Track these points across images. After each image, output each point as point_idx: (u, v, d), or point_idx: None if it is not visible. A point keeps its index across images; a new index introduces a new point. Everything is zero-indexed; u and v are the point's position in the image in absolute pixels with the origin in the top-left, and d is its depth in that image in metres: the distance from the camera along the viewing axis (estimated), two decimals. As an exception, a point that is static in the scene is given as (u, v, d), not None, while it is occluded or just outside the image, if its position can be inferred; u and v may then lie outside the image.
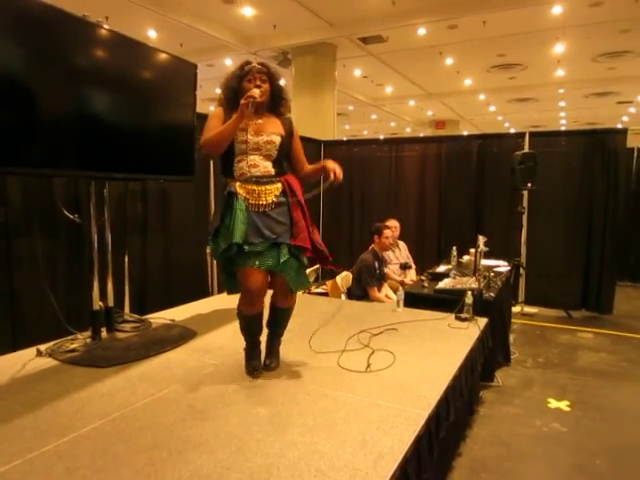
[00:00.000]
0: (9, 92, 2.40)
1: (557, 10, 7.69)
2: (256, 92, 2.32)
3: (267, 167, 2.41)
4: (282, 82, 2.58)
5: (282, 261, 2.35)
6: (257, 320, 2.54)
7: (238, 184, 2.38)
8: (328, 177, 2.40)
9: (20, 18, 2.43)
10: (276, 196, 2.40)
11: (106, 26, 2.94)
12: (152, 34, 8.71)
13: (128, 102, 3.07)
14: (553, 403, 3.47)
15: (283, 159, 2.49)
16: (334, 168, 2.40)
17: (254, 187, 2.37)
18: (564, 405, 3.44)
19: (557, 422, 3.18)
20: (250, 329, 2.55)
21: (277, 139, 2.44)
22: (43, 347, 2.78)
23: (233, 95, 2.43)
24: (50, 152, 2.66)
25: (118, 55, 2.98)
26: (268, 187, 2.39)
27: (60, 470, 1.63)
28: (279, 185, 2.43)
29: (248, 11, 7.92)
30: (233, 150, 2.40)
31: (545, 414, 3.31)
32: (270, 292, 2.56)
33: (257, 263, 2.34)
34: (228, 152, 2.40)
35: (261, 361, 2.55)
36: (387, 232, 4.96)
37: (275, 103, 2.52)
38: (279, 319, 2.61)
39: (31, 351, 2.75)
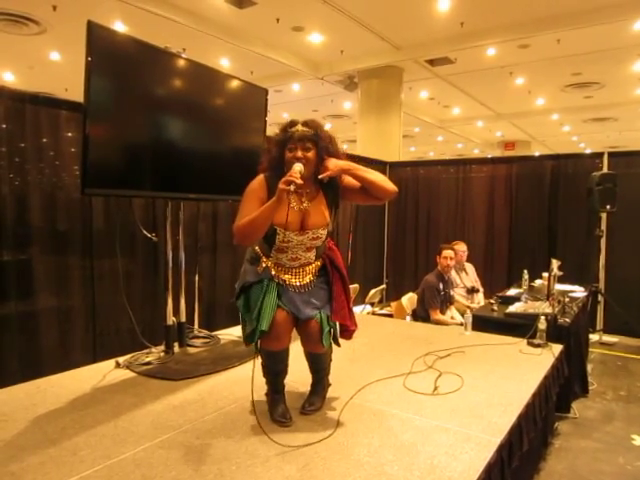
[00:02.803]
0: (104, 121, 2.61)
1: (639, 26, 7.36)
2: (297, 172, 1.96)
3: (309, 257, 2.20)
4: (331, 139, 2.16)
5: (325, 329, 2.15)
6: (283, 358, 2.22)
7: (275, 268, 2.17)
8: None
9: (113, 53, 2.65)
10: (315, 274, 2.22)
11: (184, 55, 3.14)
12: (225, 63, 9.13)
13: (204, 127, 3.24)
14: (638, 440, 3.22)
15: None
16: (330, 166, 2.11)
17: (294, 270, 2.18)
18: (650, 443, 3.19)
19: (643, 460, 2.95)
20: (275, 368, 2.23)
21: (323, 234, 2.18)
22: (121, 359, 2.93)
23: (276, 162, 2.13)
24: (132, 174, 2.85)
25: (196, 83, 3.17)
26: (308, 267, 2.21)
27: (137, 477, 1.71)
28: (319, 262, 2.25)
29: (316, 38, 8.15)
30: (271, 237, 2.12)
31: (629, 451, 3.08)
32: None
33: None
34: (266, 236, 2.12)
35: (287, 407, 2.23)
36: (445, 252, 4.87)
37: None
38: (316, 362, 2.32)
39: (110, 363, 2.91)
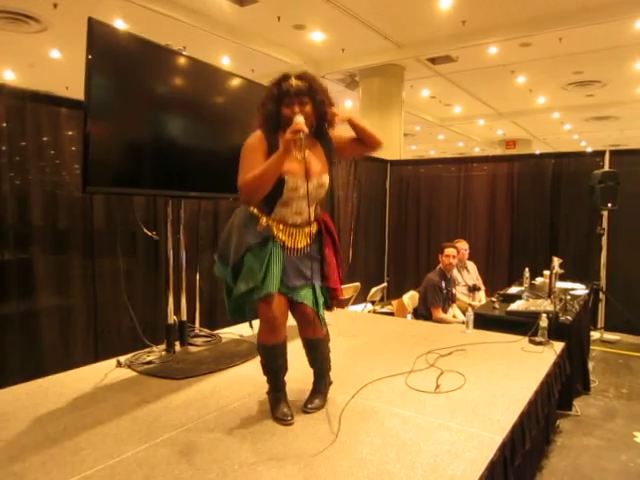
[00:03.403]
0: (105, 120, 2.61)
1: (641, 24, 7.34)
2: (302, 122, 1.97)
3: (311, 213, 2.18)
4: (325, 91, 2.15)
5: (320, 302, 2.18)
6: (281, 352, 2.20)
7: (276, 225, 2.15)
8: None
9: (114, 50, 2.64)
10: (311, 236, 2.22)
11: (185, 53, 3.13)
12: (226, 61, 9.12)
13: (205, 124, 3.23)
14: (640, 437, 3.23)
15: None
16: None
17: (293, 230, 2.18)
18: (653, 440, 3.19)
19: (645, 458, 2.95)
20: (274, 364, 2.20)
21: (326, 180, 2.21)
22: (122, 358, 2.93)
23: (272, 118, 2.11)
24: (133, 172, 2.85)
25: (197, 80, 3.16)
26: (306, 229, 2.20)
27: (139, 477, 1.70)
28: (316, 225, 2.26)
29: (318, 36, 8.13)
30: (276, 190, 2.08)
31: (632, 449, 3.07)
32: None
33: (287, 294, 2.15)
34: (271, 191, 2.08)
35: (289, 405, 2.22)
36: (448, 251, 4.87)
37: (320, 122, 2.17)
38: (315, 350, 2.30)
39: (111, 362, 2.90)
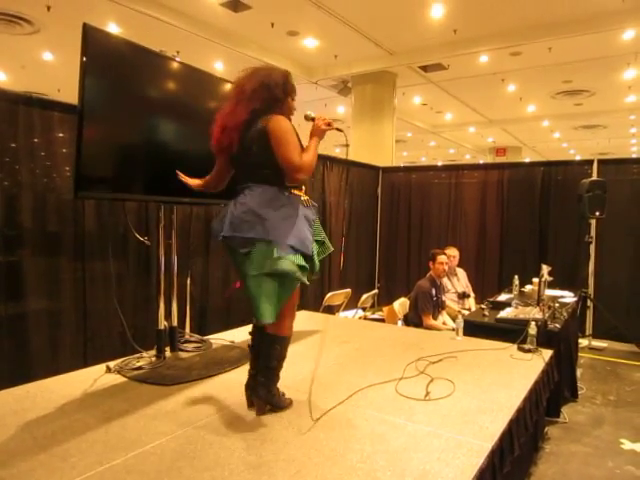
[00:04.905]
0: (99, 125, 2.60)
1: (629, 35, 7.45)
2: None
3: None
4: None
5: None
6: None
7: (303, 195, 2.27)
8: None
9: (108, 55, 2.64)
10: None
11: (178, 59, 3.14)
12: (219, 66, 9.13)
13: (198, 130, 3.22)
14: (627, 444, 3.25)
15: None
16: None
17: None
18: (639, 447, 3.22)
19: (632, 465, 2.98)
20: (285, 355, 2.32)
21: None
22: (112, 364, 2.91)
23: (276, 106, 2.23)
24: (126, 178, 2.84)
25: (190, 86, 3.16)
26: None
27: (128, 483, 1.70)
28: None
29: (311, 42, 8.17)
30: None
31: (618, 455, 3.11)
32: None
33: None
34: None
35: None
36: (440, 258, 4.90)
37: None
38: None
39: (101, 367, 2.88)
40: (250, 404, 2.33)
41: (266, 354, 2.24)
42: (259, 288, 2.09)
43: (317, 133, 2.27)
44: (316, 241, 2.24)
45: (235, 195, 2.25)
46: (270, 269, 2.07)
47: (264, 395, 2.26)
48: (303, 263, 2.12)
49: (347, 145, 2.51)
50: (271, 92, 2.19)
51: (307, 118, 2.35)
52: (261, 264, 2.08)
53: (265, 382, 2.26)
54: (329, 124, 2.29)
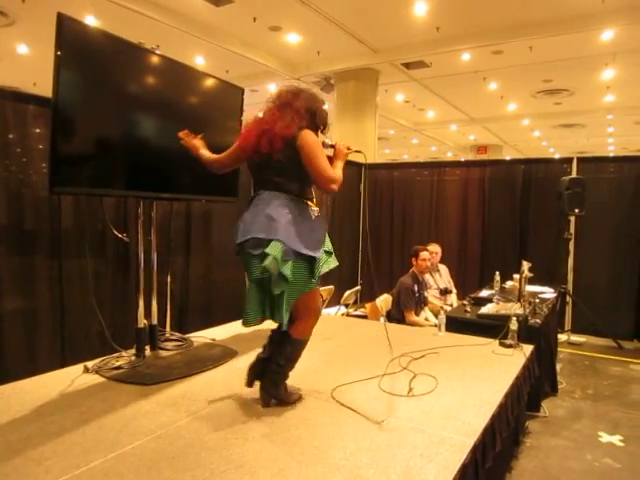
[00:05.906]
0: (74, 119, 2.54)
1: (607, 35, 7.56)
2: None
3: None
4: None
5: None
6: None
7: (314, 206, 2.38)
8: None
9: (84, 47, 2.57)
10: None
11: (158, 52, 3.07)
12: (200, 61, 9.03)
13: (178, 125, 3.17)
14: (605, 437, 3.30)
15: None
16: None
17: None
18: (617, 440, 3.26)
19: (610, 457, 3.02)
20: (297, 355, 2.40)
21: None
22: (90, 364, 2.85)
23: (314, 128, 2.35)
24: (103, 173, 2.78)
25: (170, 80, 3.10)
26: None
27: (106, 485, 1.65)
28: None
29: (293, 38, 8.12)
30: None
31: (597, 448, 3.15)
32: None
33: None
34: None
35: None
36: (423, 254, 4.91)
37: None
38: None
39: (79, 367, 2.81)
40: (248, 384, 2.39)
41: (279, 351, 2.32)
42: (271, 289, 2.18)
43: (341, 157, 2.42)
44: (325, 252, 2.33)
45: (250, 201, 2.34)
46: (277, 270, 2.14)
47: (271, 389, 2.33)
48: (305, 269, 2.22)
49: (332, 146, 2.52)
50: (313, 118, 2.34)
51: (325, 145, 2.41)
52: (271, 265, 2.13)
53: (273, 377, 2.33)
54: (349, 148, 2.46)
